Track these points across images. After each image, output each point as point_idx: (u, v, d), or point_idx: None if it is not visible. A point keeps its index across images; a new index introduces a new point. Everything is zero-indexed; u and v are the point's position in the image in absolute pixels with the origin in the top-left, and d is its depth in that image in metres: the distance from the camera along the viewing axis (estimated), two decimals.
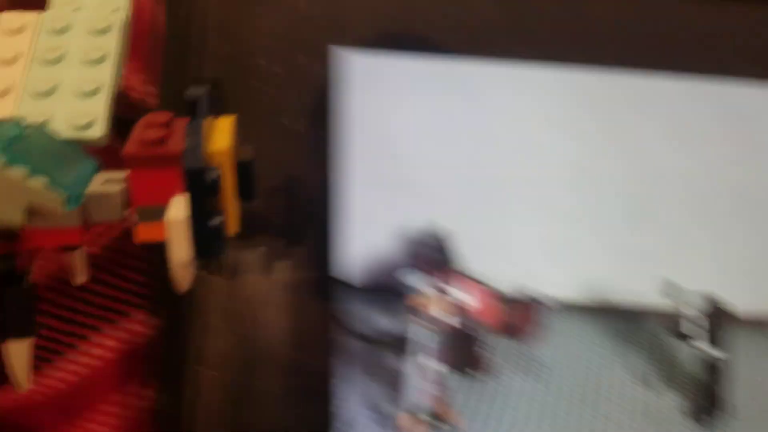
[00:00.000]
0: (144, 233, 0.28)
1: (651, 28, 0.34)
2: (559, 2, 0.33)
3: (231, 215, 0.28)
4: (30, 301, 0.29)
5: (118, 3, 0.34)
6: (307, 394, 0.31)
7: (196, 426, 0.31)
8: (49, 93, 0.32)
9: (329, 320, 0.30)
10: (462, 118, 0.32)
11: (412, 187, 0.31)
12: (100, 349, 0.36)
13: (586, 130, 0.33)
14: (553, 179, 0.33)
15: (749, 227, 0.36)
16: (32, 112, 0.31)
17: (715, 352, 0.36)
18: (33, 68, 0.33)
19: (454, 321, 0.30)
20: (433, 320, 0.30)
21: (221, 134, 0.27)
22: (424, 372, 0.30)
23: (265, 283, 0.30)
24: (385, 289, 0.30)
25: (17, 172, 0.25)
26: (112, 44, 0.33)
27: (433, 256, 0.30)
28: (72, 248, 0.29)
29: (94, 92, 0.32)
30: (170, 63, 0.31)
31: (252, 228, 0.29)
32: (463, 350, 0.31)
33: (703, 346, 0.36)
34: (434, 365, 0.31)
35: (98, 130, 0.31)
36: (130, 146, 0.27)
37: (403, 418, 0.30)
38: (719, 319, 0.36)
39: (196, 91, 0.27)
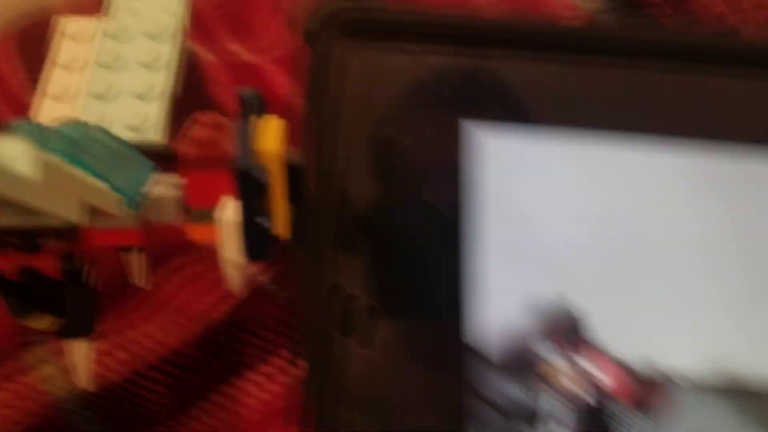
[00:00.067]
0: (197, 234, 0.28)
1: None
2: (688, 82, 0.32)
3: (280, 217, 0.28)
4: (91, 301, 0.30)
5: (174, 9, 0.35)
6: None
7: None
8: (108, 96, 0.33)
9: (464, 388, 0.30)
10: (590, 195, 0.32)
11: (543, 259, 0.31)
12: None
13: (713, 210, 0.32)
14: (680, 257, 0.32)
15: None
16: (93, 113, 0.32)
17: None
18: (94, 72, 0.34)
19: (586, 395, 0.30)
20: (565, 392, 0.30)
21: (270, 136, 0.27)
22: None
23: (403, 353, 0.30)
24: (517, 359, 0.30)
25: (78, 172, 0.26)
26: (168, 49, 0.34)
27: (564, 327, 0.30)
28: (129, 249, 0.30)
29: (151, 96, 0.33)
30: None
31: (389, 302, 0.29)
32: (597, 427, 0.30)
33: None
34: None
35: (155, 133, 0.32)
36: (186, 147, 0.28)
37: None
38: None
39: (247, 92, 0.28)
